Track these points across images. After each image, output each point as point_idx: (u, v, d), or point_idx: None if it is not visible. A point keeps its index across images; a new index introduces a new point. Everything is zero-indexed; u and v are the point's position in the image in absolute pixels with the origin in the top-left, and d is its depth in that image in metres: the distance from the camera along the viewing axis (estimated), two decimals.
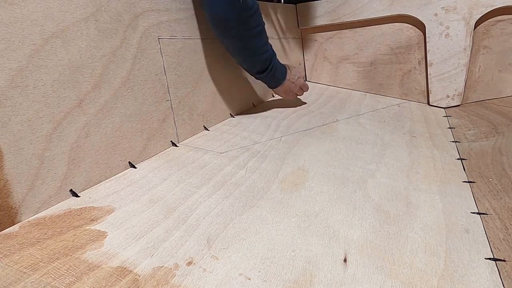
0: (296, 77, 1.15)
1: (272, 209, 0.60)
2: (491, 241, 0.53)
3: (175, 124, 0.87)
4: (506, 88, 1.36)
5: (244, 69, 1.05)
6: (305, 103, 1.31)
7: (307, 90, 1.22)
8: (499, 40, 1.34)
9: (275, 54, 1.04)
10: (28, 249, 0.46)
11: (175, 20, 0.87)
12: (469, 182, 0.73)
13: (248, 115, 1.14)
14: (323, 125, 1.08)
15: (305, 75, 1.69)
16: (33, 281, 0.40)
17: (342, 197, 0.65)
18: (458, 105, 1.38)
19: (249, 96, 1.24)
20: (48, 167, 0.56)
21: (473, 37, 1.33)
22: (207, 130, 0.99)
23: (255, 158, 0.81)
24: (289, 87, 1.14)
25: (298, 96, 1.24)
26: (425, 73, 1.43)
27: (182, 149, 0.84)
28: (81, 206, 0.57)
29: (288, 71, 1.12)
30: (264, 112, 1.18)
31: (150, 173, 0.71)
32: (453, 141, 0.98)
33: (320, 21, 1.57)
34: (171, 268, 0.45)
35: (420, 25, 1.40)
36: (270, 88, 1.15)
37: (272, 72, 1.04)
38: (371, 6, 1.45)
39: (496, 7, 1.27)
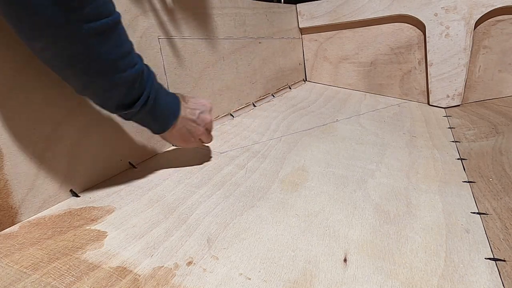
0: (198, 111, 0.67)
1: (272, 209, 0.60)
2: (491, 241, 0.53)
3: None
4: (506, 88, 1.36)
5: (96, 103, 0.56)
6: (205, 161, 0.79)
7: (211, 139, 0.74)
8: (499, 40, 1.34)
9: (154, 73, 0.59)
10: (28, 249, 0.46)
11: (175, 20, 0.87)
12: (469, 182, 0.73)
13: (248, 115, 1.14)
14: (323, 125, 1.08)
15: (305, 75, 1.68)
16: (33, 281, 0.40)
17: (342, 197, 0.65)
18: (458, 105, 1.38)
19: (249, 96, 1.24)
20: (48, 167, 0.56)
21: (473, 37, 1.33)
22: None
23: (255, 158, 0.81)
24: (188, 129, 0.67)
25: (205, 144, 0.76)
26: (425, 73, 1.43)
27: (182, 149, 0.84)
28: (81, 206, 0.57)
29: (182, 102, 0.65)
30: (264, 112, 1.18)
31: (150, 173, 0.71)
32: (453, 141, 0.98)
33: (320, 21, 1.57)
34: (171, 268, 0.45)
35: (420, 25, 1.40)
36: (155, 133, 0.65)
37: (151, 105, 0.58)
38: (371, 6, 1.45)
39: (496, 7, 1.27)
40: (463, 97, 1.38)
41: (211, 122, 0.71)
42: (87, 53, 0.47)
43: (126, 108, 0.56)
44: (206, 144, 0.75)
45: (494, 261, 0.49)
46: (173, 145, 0.81)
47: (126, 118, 0.59)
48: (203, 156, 0.81)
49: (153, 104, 0.58)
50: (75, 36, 0.45)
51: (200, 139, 0.71)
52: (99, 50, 0.47)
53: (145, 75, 0.56)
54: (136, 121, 0.61)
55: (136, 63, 0.54)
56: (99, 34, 0.46)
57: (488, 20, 1.33)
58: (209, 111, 0.71)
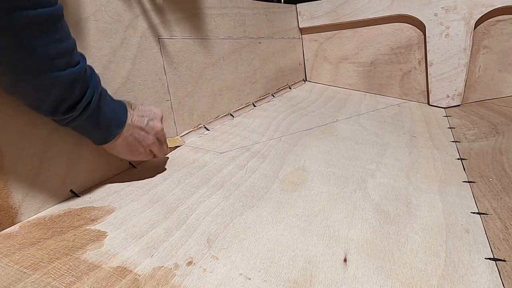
0: (146, 119, 0.62)
1: (272, 209, 0.60)
2: (491, 241, 0.53)
3: (175, 124, 0.87)
4: (506, 88, 1.36)
5: (28, 105, 0.49)
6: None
7: (167, 149, 0.70)
8: (499, 40, 1.34)
9: (98, 77, 0.55)
10: (28, 249, 0.46)
11: (175, 20, 0.87)
12: (469, 182, 0.73)
13: (248, 115, 1.14)
14: (323, 125, 1.08)
15: (305, 75, 1.68)
16: (33, 281, 0.40)
17: (342, 197, 0.65)
18: (458, 105, 1.38)
19: (249, 96, 1.24)
20: (48, 167, 0.56)
21: (473, 37, 1.33)
22: (207, 130, 0.99)
23: (255, 158, 0.81)
24: (136, 137, 0.60)
25: (158, 156, 0.68)
26: (425, 73, 1.43)
27: (182, 149, 0.84)
28: (81, 206, 0.57)
29: (129, 109, 0.60)
30: (264, 112, 1.18)
31: (150, 173, 0.71)
32: (453, 141, 0.98)
33: (320, 21, 1.57)
34: (171, 268, 0.45)
35: (420, 25, 1.40)
36: (97, 143, 0.59)
37: (93, 110, 0.52)
38: (371, 6, 1.45)
39: (496, 7, 1.27)
40: (463, 97, 1.38)
41: (162, 131, 0.65)
42: (19, 46, 0.41)
43: (63, 113, 0.50)
44: (159, 157, 0.69)
45: (494, 261, 0.49)
46: (120, 158, 0.67)
47: (63, 124, 0.52)
48: (203, 156, 0.81)
49: (95, 110, 0.53)
50: (3, 23, 0.39)
51: (150, 150, 0.65)
52: (34, 43, 0.42)
53: (88, 76, 0.51)
54: (74, 128, 0.55)
55: (78, 62, 0.49)
56: (35, 25, 0.41)
57: (488, 20, 1.33)
58: (159, 119, 0.65)
